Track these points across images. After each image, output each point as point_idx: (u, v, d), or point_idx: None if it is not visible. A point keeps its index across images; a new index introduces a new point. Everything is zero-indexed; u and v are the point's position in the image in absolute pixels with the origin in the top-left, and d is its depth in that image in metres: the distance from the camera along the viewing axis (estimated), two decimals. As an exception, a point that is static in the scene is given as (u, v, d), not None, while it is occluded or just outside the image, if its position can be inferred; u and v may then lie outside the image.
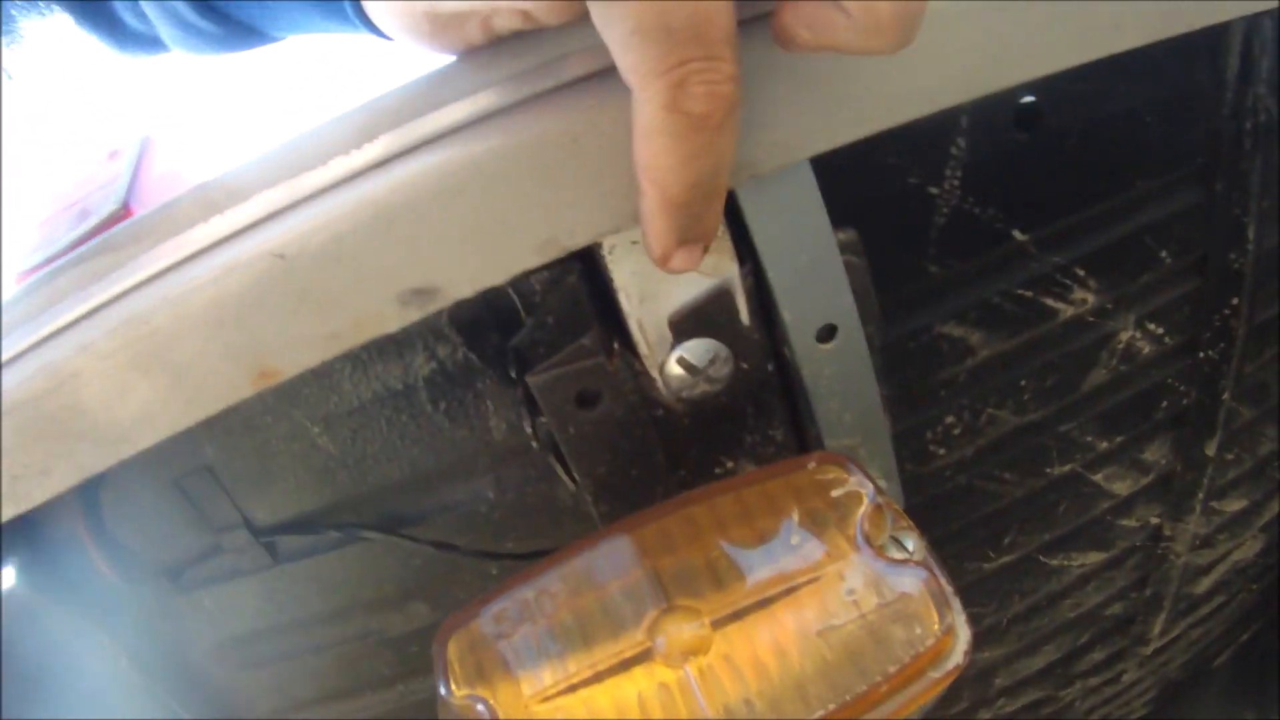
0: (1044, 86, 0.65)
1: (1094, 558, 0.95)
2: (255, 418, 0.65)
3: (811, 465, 0.56)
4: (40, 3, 0.70)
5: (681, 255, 0.48)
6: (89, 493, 0.67)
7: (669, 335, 0.58)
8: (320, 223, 0.49)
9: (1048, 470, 0.85)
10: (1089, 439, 0.84)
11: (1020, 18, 0.51)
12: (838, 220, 0.59)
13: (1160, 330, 0.80)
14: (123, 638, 0.77)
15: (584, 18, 0.44)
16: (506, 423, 0.66)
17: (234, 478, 0.68)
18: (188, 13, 0.65)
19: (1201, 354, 0.83)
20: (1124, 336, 0.79)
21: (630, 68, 0.41)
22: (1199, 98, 0.70)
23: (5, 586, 0.73)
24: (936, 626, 0.49)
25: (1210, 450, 0.91)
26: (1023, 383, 0.78)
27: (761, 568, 0.52)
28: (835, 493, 0.54)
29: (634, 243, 0.54)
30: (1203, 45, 0.68)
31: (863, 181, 0.63)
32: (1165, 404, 0.86)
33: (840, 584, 0.51)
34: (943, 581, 0.51)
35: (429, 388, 0.64)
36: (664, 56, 0.40)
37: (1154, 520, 0.96)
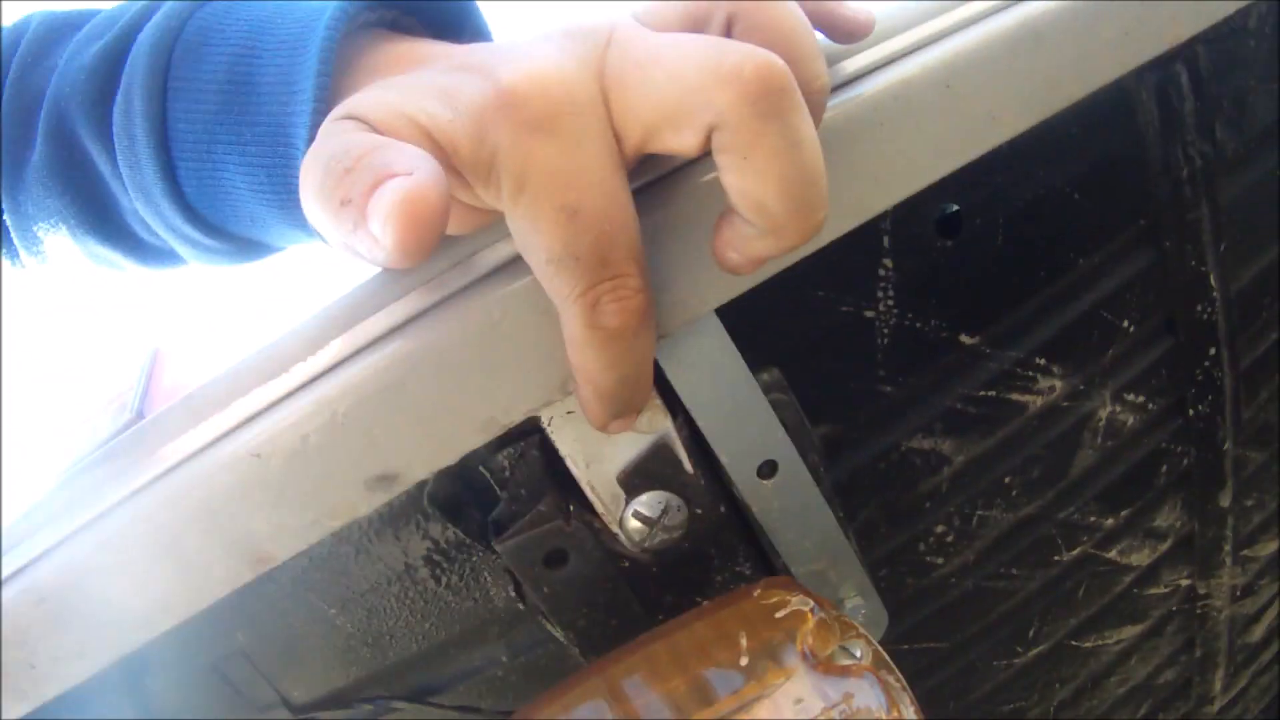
0: (956, 189, 0.67)
1: (1129, 631, 0.95)
2: (278, 604, 0.71)
3: (757, 593, 0.60)
4: (62, 225, 0.78)
5: (617, 424, 0.55)
6: (136, 681, 0.74)
7: (621, 492, 0.63)
8: (288, 424, 0.56)
9: (1056, 559, 0.86)
10: (1092, 519, 0.85)
11: (892, 136, 0.57)
12: (778, 360, 0.64)
13: (1141, 398, 0.81)
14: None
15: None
16: (505, 591, 0.71)
17: (267, 660, 0.74)
18: (195, 234, 0.73)
19: (1191, 411, 0.84)
20: (1103, 414, 0.80)
21: (551, 291, 0.49)
22: (1123, 161, 0.72)
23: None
24: (884, 717, 0.53)
25: (1225, 501, 0.91)
26: (1007, 480, 0.80)
27: (716, 693, 0.57)
28: (779, 614, 0.59)
29: (569, 413, 0.60)
30: (1111, 107, 0.70)
31: (795, 319, 0.67)
32: (1165, 468, 0.87)
33: (789, 696, 0.55)
34: (890, 678, 0.55)
35: (428, 565, 0.70)
36: (575, 282, 0.47)
37: (1184, 582, 0.95)
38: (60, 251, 0.80)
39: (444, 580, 0.70)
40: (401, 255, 0.42)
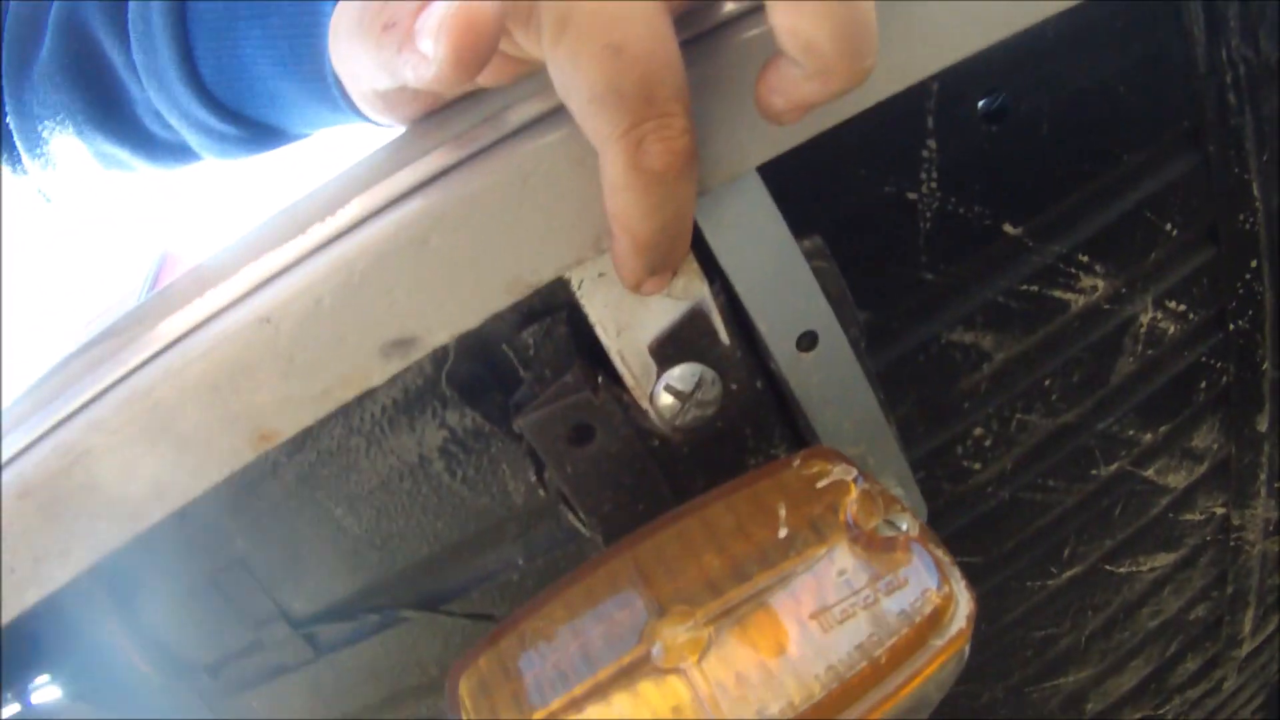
0: (1001, 76, 0.65)
1: (1163, 559, 0.92)
2: (280, 505, 0.67)
3: (796, 463, 0.56)
4: (69, 122, 0.75)
5: (652, 283, 0.52)
6: (126, 593, 0.69)
7: (652, 363, 0.59)
8: (301, 287, 0.52)
9: (1094, 472, 0.83)
10: (1131, 433, 0.82)
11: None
12: (808, 233, 0.60)
13: (1182, 307, 0.78)
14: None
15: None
16: (525, 485, 0.67)
17: (267, 569, 0.70)
18: (209, 119, 0.70)
19: (1231, 325, 0.81)
20: (1144, 319, 0.77)
21: (592, 132, 0.45)
22: (1170, 59, 0.70)
23: (51, 699, 0.75)
24: (932, 594, 0.49)
25: (1262, 426, 0.88)
26: (1048, 382, 0.76)
27: (753, 566, 0.53)
28: (820, 484, 0.55)
29: (601, 275, 0.56)
30: (1160, 4, 0.68)
31: (837, 198, 0.64)
32: (1204, 384, 0.84)
33: (831, 568, 0.52)
34: (938, 552, 0.51)
35: (444, 457, 0.66)
36: (619, 120, 0.44)
37: (1219, 510, 0.92)
38: (66, 152, 0.77)
39: (459, 474, 0.66)
40: (455, 66, 0.40)
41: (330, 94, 0.64)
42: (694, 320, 0.59)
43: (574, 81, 0.43)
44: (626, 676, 0.51)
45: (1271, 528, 0.97)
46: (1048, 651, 0.91)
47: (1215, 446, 0.88)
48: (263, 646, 0.73)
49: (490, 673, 0.53)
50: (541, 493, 0.65)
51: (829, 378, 0.62)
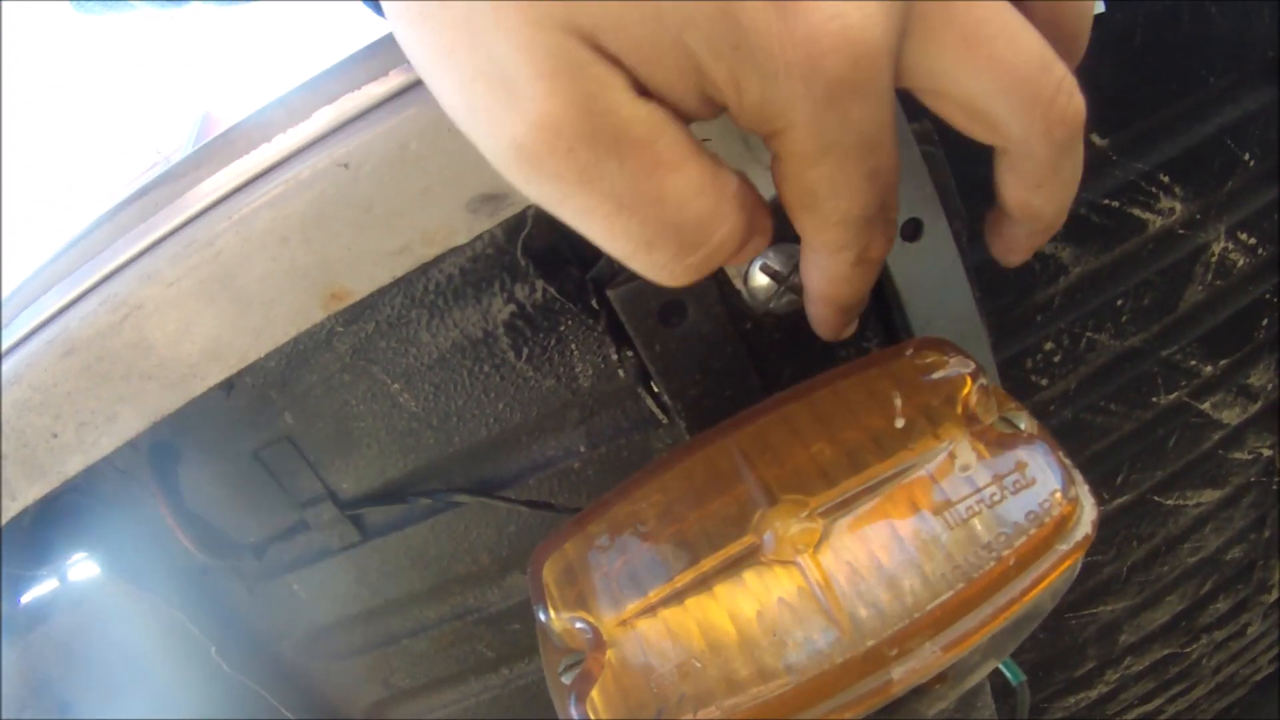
0: None
1: (1209, 496, 0.91)
2: (333, 378, 0.63)
3: (910, 351, 0.53)
4: None
5: (850, 327, 0.54)
6: (167, 469, 0.66)
7: (750, 240, 0.55)
8: (383, 132, 0.48)
9: (1154, 400, 0.81)
10: (1193, 364, 0.81)
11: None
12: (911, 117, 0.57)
13: (1253, 240, 0.77)
14: (211, 629, 0.75)
15: None
16: (593, 368, 0.64)
17: (315, 447, 0.66)
18: None
19: (1298, 266, 0.79)
20: (1216, 249, 0.76)
21: (824, 242, 0.44)
22: (1262, -15, 0.67)
23: (89, 576, 0.72)
24: (1059, 495, 0.46)
25: (1317, 373, 0.86)
26: (1119, 303, 0.75)
27: (867, 456, 0.49)
28: (937, 375, 0.52)
29: (705, 140, 0.52)
30: None
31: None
32: (1265, 322, 0.82)
33: (953, 463, 0.48)
34: (1062, 454, 0.48)
35: (510, 334, 0.62)
36: (861, 236, 0.44)
37: (1266, 452, 0.91)
38: None
39: (525, 352, 0.63)
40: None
41: None
42: (796, 196, 0.55)
43: (826, 205, 0.42)
44: (734, 567, 0.47)
45: (1315, 476, 0.96)
46: (1090, 579, 0.89)
47: (1270, 386, 0.87)
48: (308, 528, 0.69)
49: (578, 558, 0.50)
50: (621, 373, 0.62)
51: (930, 269, 0.59)
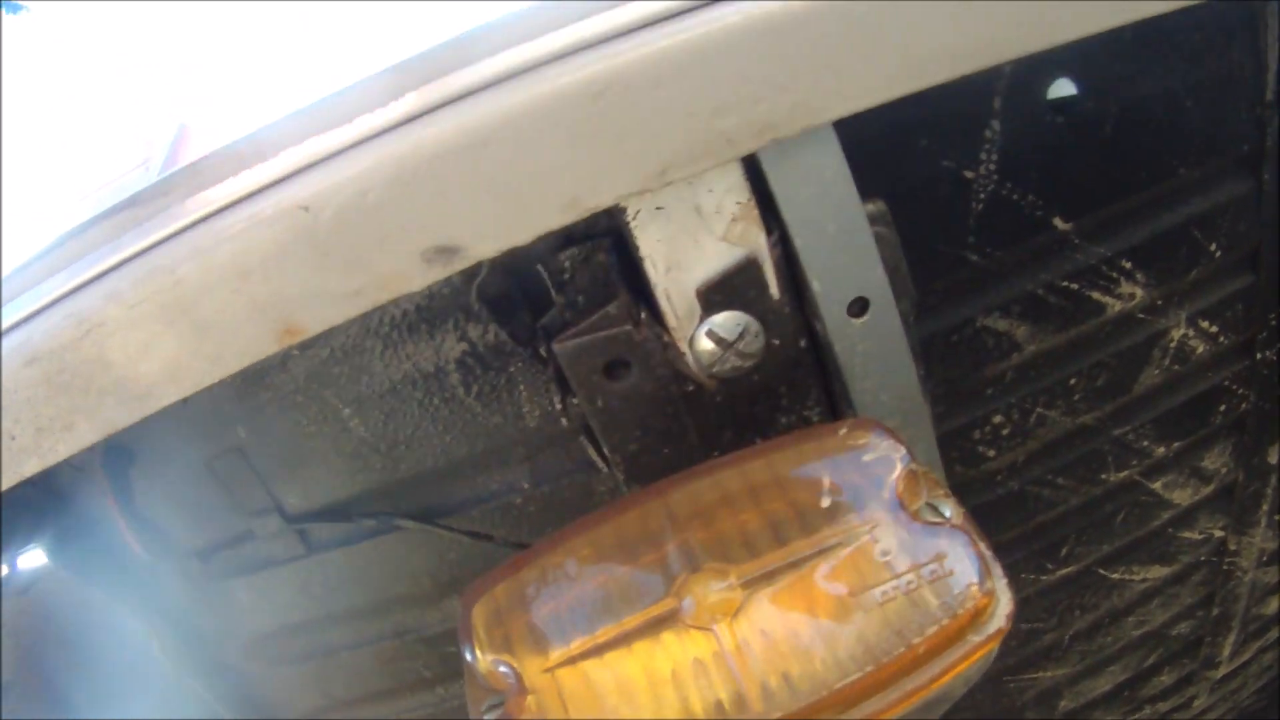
0: (1078, 68, 0.64)
1: (1156, 572, 0.92)
2: (287, 398, 0.64)
3: (843, 431, 0.54)
4: None
5: None
6: (120, 470, 0.67)
7: (697, 307, 0.57)
8: (345, 178, 0.49)
9: (1104, 477, 0.82)
10: (1145, 444, 0.81)
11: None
12: (867, 196, 0.58)
13: (1214, 329, 0.78)
14: (155, 626, 0.77)
15: None
16: (540, 409, 0.65)
17: (266, 461, 0.68)
18: None
19: (1259, 355, 0.80)
20: (1176, 335, 0.76)
21: None
22: (1239, 82, 0.68)
23: (37, 564, 0.73)
24: (975, 589, 0.48)
25: (1273, 458, 0.87)
26: (1072, 381, 0.75)
27: (792, 531, 0.51)
28: (867, 457, 0.53)
29: (658, 208, 0.54)
30: (1239, 25, 0.66)
31: (895, 164, 0.62)
32: (1223, 408, 0.83)
33: (874, 547, 0.50)
34: (982, 546, 0.49)
35: (460, 370, 0.64)
36: None
37: (1217, 533, 0.92)
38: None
39: (475, 389, 0.64)
40: None
41: None
42: (746, 268, 0.57)
43: None
44: (654, 627, 0.49)
45: (1266, 558, 0.97)
46: (1030, 645, 0.91)
47: (1224, 470, 0.88)
48: (254, 537, 0.71)
49: (507, 603, 0.51)
50: (564, 421, 0.63)
51: (874, 347, 0.60)
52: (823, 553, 0.50)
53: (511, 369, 0.64)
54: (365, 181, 0.49)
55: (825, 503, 0.52)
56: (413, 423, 0.66)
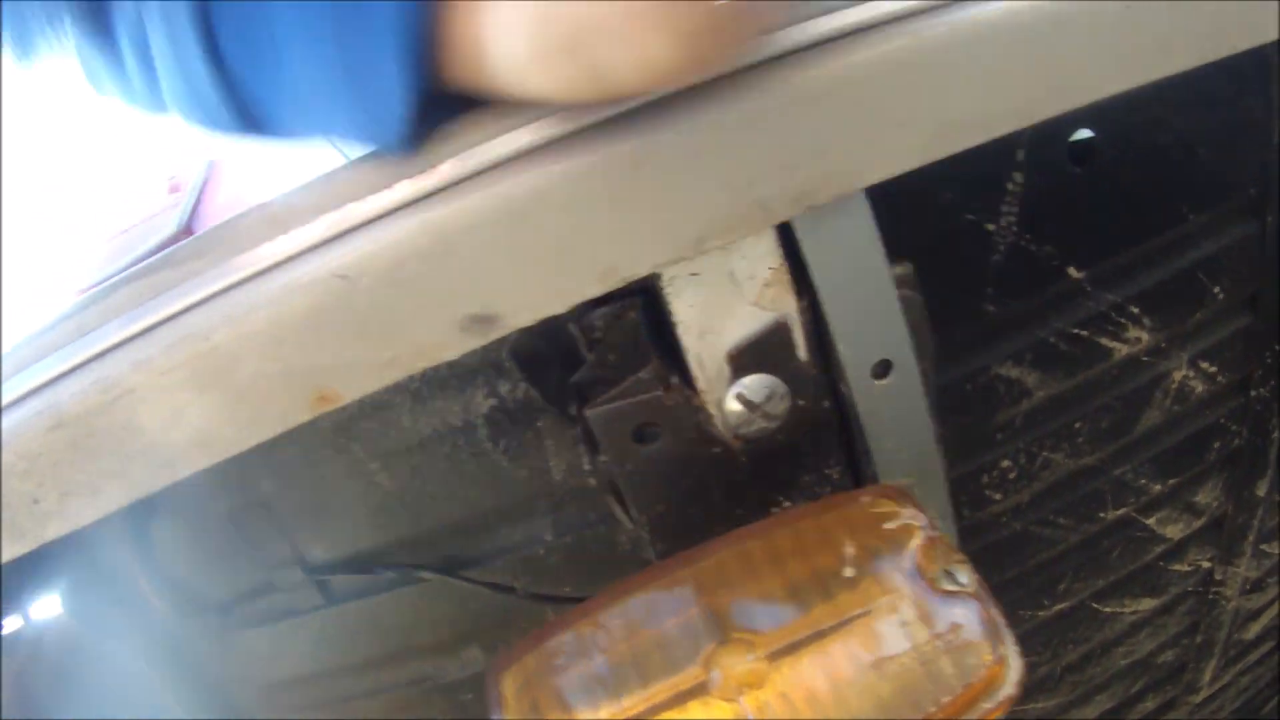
0: (1097, 119, 0.65)
1: (1146, 604, 0.94)
2: (313, 451, 0.65)
3: (866, 499, 0.55)
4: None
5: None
6: (141, 522, 0.67)
7: (727, 370, 0.58)
8: (383, 245, 0.49)
9: (1101, 515, 0.83)
10: (1143, 482, 0.83)
11: (1072, 43, 0.51)
12: (894, 257, 0.59)
13: (1213, 369, 0.79)
14: (169, 675, 0.77)
15: None
16: (566, 464, 0.66)
17: (290, 513, 0.68)
18: (200, 75, 0.54)
19: (1253, 392, 0.82)
20: (1177, 376, 0.78)
21: None
22: (1249, 127, 0.70)
23: (51, 614, 0.73)
24: (989, 657, 0.49)
25: (1261, 491, 0.89)
26: (1078, 425, 0.77)
27: (817, 601, 0.52)
28: (889, 525, 0.54)
29: (693, 275, 0.54)
30: (1251, 73, 0.68)
31: (919, 219, 0.63)
32: (1218, 445, 0.85)
33: (894, 616, 0.51)
34: (994, 613, 0.51)
35: (489, 425, 0.64)
36: None
37: (1205, 564, 0.94)
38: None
39: (502, 444, 0.65)
40: None
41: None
42: (776, 333, 0.58)
43: None
44: (681, 698, 0.50)
45: (1248, 586, 0.99)
46: (1025, 678, 0.92)
47: (1215, 504, 0.90)
48: (274, 589, 0.71)
49: (536, 671, 0.52)
50: (592, 481, 0.64)
51: (896, 408, 0.61)
52: (846, 623, 0.51)
53: (539, 423, 0.64)
54: (404, 249, 0.49)
55: (849, 573, 0.53)
56: (439, 476, 0.66)
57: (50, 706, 0.74)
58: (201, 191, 0.88)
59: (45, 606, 0.73)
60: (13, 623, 0.72)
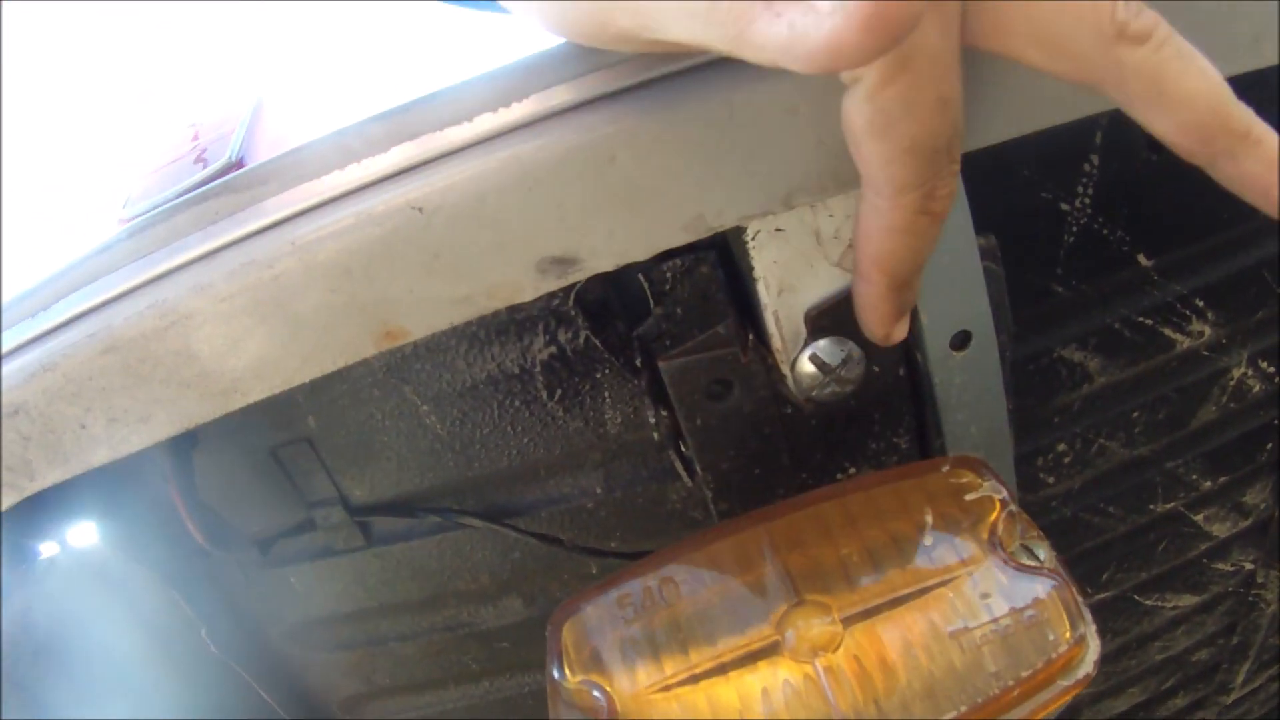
0: None
1: (1187, 600, 0.93)
2: (363, 390, 0.63)
3: (945, 468, 0.54)
4: None
5: (901, 326, 0.50)
6: (182, 454, 0.65)
7: (804, 331, 0.56)
8: (462, 179, 0.47)
9: (1151, 507, 0.82)
10: (1194, 478, 0.82)
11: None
12: (976, 228, 0.58)
13: (1272, 369, 0.78)
14: (203, 609, 0.76)
15: None
16: (623, 416, 0.65)
17: (334, 452, 0.67)
18: None
19: (1307, 396, 0.81)
20: (1236, 373, 0.77)
21: (889, 179, 0.43)
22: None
23: (86, 544, 0.71)
24: (1068, 635, 0.48)
25: (1309, 495, 0.88)
26: (1135, 414, 0.76)
27: (893, 567, 0.51)
28: (969, 496, 0.53)
29: (777, 230, 0.53)
30: None
31: (997, 193, 0.61)
32: (1270, 446, 0.84)
33: (973, 588, 0.50)
34: (1074, 592, 0.49)
35: (546, 373, 0.63)
36: (926, 172, 0.42)
37: (1248, 566, 0.93)
38: None
39: (558, 393, 0.63)
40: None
41: None
42: (856, 296, 0.56)
43: (898, 129, 0.41)
44: (752, 659, 0.49)
45: (1290, 591, 0.98)
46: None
47: (1262, 505, 0.88)
48: (314, 527, 0.70)
49: (598, 624, 0.51)
50: (647, 435, 0.62)
51: (971, 381, 0.59)
52: (923, 591, 0.50)
53: (598, 375, 0.63)
54: (484, 184, 0.47)
55: (927, 541, 0.51)
56: (490, 423, 0.65)
57: (82, 634, 0.73)
58: (251, 125, 0.86)
59: (82, 533, 0.71)
60: (49, 548, 0.70)
